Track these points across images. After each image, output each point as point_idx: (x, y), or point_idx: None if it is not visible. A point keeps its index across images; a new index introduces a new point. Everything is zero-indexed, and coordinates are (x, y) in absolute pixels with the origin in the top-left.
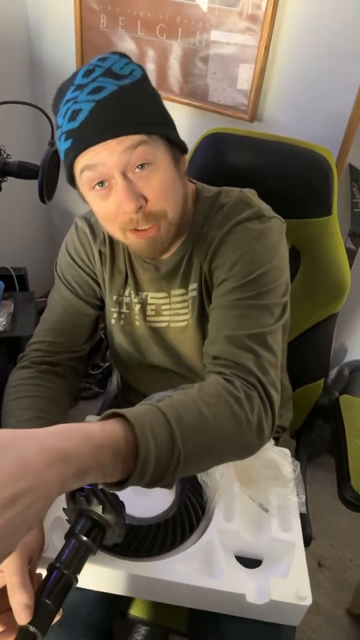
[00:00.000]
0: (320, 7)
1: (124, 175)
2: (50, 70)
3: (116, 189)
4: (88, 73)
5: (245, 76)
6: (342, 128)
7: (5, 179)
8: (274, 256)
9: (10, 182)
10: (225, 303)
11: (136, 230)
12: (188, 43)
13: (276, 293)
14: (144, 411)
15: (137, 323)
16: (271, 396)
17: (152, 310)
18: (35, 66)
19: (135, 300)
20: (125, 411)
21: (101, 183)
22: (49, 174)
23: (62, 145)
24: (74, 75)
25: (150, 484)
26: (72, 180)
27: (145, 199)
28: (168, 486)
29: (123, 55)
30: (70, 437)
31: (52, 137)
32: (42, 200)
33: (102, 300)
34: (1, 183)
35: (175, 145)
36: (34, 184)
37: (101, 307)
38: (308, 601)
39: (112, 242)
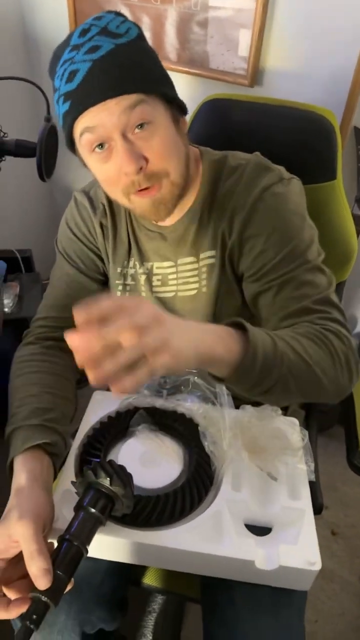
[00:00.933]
0: None
1: (124, 136)
2: (44, 44)
3: (116, 150)
4: (84, 32)
5: (243, 41)
6: (346, 89)
7: (4, 158)
8: (303, 217)
9: (11, 161)
10: (277, 280)
11: (138, 191)
12: (183, 7)
13: (314, 250)
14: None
15: (144, 294)
16: (351, 342)
17: (158, 280)
18: (28, 40)
19: (141, 271)
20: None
21: (101, 145)
22: (47, 151)
23: (61, 109)
24: (70, 35)
25: (261, 375)
26: (71, 145)
27: (146, 160)
28: (272, 395)
29: (118, 14)
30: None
31: (48, 113)
32: (42, 178)
33: (105, 275)
34: (0, 163)
35: (175, 105)
36: (34, 162)
37: (105, 281)
38: (317, 566)
39: (113, 212)
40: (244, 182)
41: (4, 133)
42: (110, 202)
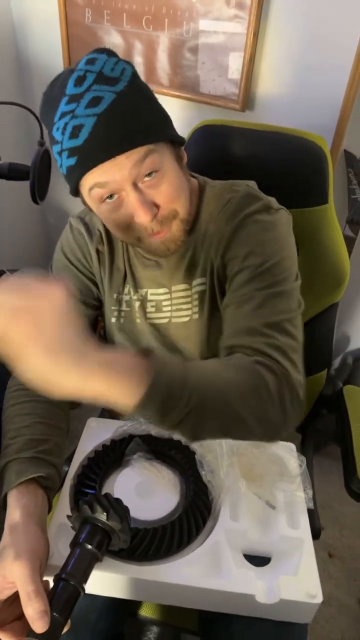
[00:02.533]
0: None
1: (135, 186)
2: (37, 68)
3: (127, 199)
4: (80, 81)
5: (235, 65)
6: (336, 114)
7: None
8: (284, 246)
9: (3, 183)
10: (241, 297)
11: (150, 234)
12: (175, 34)
13: (290, 279)
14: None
15: (138, 320)
16: (292, 377)
17: (152, 307)
18: (21, 65)
19: (135, 297)
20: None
21: (111, 196)
22: (40, 175)
23: (65, 162)
24: (64, 83)
25: (165, 407)
26: (76, 193)
27: (157, 206)
28: (186, 429)
29: (110, 53)
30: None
31: (42, 137)
32: (35, 201)
33: (99, 300)
34: None
35: (176, 142)
36: (26, 185)
37: (99, 306)
38: (319, 599)
39: (110, 240)
40: (231, 211)
41: None
42: (107, 229)
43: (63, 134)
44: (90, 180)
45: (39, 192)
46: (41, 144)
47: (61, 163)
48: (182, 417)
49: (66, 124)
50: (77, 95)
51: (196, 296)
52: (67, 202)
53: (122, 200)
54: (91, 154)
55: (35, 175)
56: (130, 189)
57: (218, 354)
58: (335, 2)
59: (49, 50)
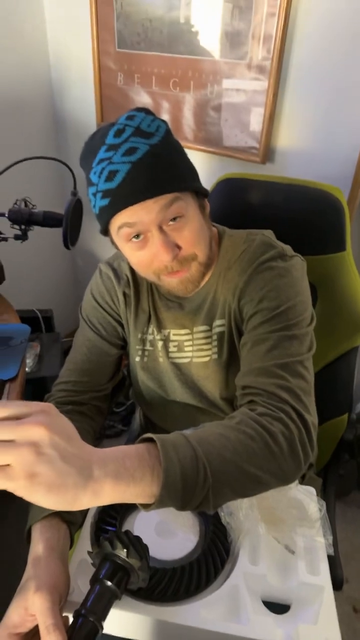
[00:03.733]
0: (327, 57)
1: (160, 228)
2: (72, 125)
3: (152, 240)
4: (119, 133)
5: (255, 120)
6: (353, 166)
7: (31, 228)
8: (298, 291)
9: (37, 228)
10: (255, 337)
11: (169, 273)
12: (200, 94)
13: (303, 324)
14: (167, 435)
15: (161, 359)
16: (304, 419)
17: (174, 346)
18: (58, 122)
19: (158, 337)
20: (151, 435)
21: (137, 236)
22: (72, 222)
23: (98, 202)
24: (104, 134)
25: (184, 499)
26: (105, 232)
27: (179, 247)
28: (207, 507)
29: (148, 112)
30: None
31: (75, 188)
32: (67, 246)
33: (124, 340)
34: (27, 231)
35: (200, 193)
36: (57, 230)
37: (123, 346)
38: None
39: (136, 283)
40: (247, 259)
41: (33, 205)
42: (133, 274)
43: (99, 177)
44: (119, 220)
45: (70, 239)
46: (74, 194)
47: (95, 203)
48: (201, 500)
49: (103, 169)
50: (115, 145)
51: (215, 337)
52: (96, 247)
53: (147, 240)
54: (123, 197)
55: (68, 223)
56: (156, 231)
57: (231, 394)
58: (349, 64)
59: (83, 109)
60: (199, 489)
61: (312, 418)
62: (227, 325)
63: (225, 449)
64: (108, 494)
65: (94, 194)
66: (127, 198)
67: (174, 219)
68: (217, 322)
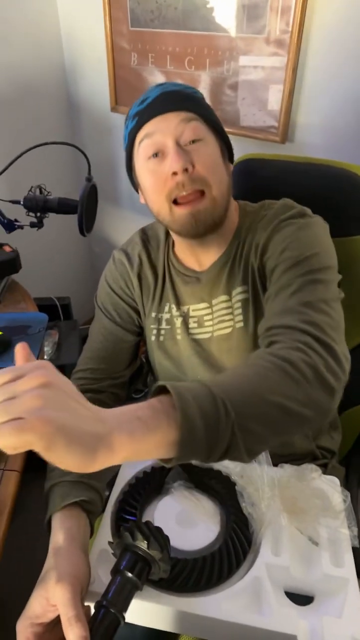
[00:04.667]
0: (350, 28)
1: (177, 142)
2: (86, 109)
3: (168, 155)
4: (158, 85)
5: (274, 98)
6: None
7: (47, 215)
8: (320, 243)
9: (52, 216)
10: (278, 285)
11: (181, 203)
12: (216, 72)
13: (328, 271)
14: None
15: (179, 337)
16: (330, 347)
17: (194, 322)
18: (72, 107)
19: (177, 314)
20: (159, 383)
21: (156, 154)
22: (87, 209)
23: (128, 128)
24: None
25: (209, 441)
26: (129, 165)
27: (193, 166)
28: (238, 451)
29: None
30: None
31: (89, 173)
32: (82, 233)
33: (140, 327)
34: (43, 219)
35: (224, 144)
36: (73, 217)
37: (140, 332)
38: None
39: (150, 262)
40: (268, 219)
41: (48, 192)
42: (148, 252)
43: (134, 107)
44: (142, 133)
45: (86, 225)
46: (89, 179)
47: (126, 133)
48: (228, 441)
49: (139, 100)
50: (153, 88)
51: (239, 304)
52: (111, 233)
53: (164, 158)
54: (148, 112)
55: (83, 209)
56: (173, 144)
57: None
58: None
59: (97, 92)
60: (222, 426)
61: (341, 348)
62: (251, 290)
63: (242, 383)
64: (124, 447)
65: (127, 124)
66: (151, 112)
67: (192, 142)
68: (238, 289)
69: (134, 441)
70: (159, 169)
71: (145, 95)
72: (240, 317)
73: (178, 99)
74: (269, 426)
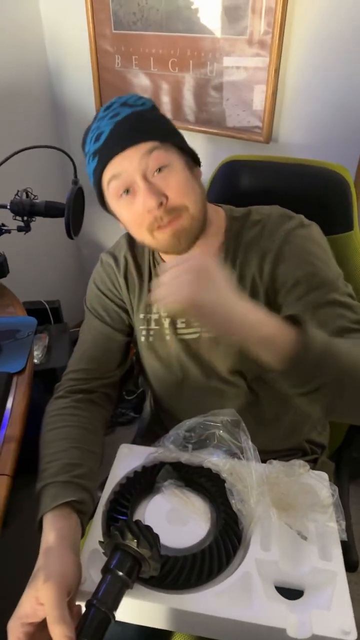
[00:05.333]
0: (328, 31)
1: (145, 178)
2: (70, 112)
3: (139, 192)
4: (107, 107)
5: (258, 98)
6: (358, 142)
7: (34, 219)
8: (327, 253)
9: (40, 220)
10: (312, 305)
11: (160, 226)
12: (200, 74)
13: (342, 281)
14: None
15: (168, 337)
16: None
17: (182, 322)
18: (57, 109)
19: (165, 314)
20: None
21: (126, 191)
22: (74, 212)
23: (91, 166)
24: (97, 113)
25: (307, 377)
26: (102, 199)
27: (166, 197)
28: (320, 399)
29: (136, 94)
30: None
31: (75, 176)
32: (70, 236)
33: (130, 327)
34: (30, 223)
35: (188, 155)
36: (61, 221)
37: (130, 332)
38: (353, 636)
39: (137, 264)
40: (269, 230)
41: (35, 196)
42: (133, 254)
43: (90, 143)
44: (107, 175)
45: (73, 228)
46: (75, 182)
47: (90, 171)
48: (324, 382)
49: (93, 135)
50: (103, 116)
51: None
52: (100, 236)
53: (135, 194)
54: (107, 151)
55: (70, 212)
56: (141, 180)
57: (249, 366)
58: (352, 41)
59: (82, 94)
60: (329, 366)
61: None
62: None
63: (353, 350)
64: (267, 327)
65: (88, 161)
66: (110, 151)
67: (159, 170)
68: None
69: (259, 322)
70: (133, 206)
71: (97, 128)
72: None
73: (133, 129)
74: (352, 396)
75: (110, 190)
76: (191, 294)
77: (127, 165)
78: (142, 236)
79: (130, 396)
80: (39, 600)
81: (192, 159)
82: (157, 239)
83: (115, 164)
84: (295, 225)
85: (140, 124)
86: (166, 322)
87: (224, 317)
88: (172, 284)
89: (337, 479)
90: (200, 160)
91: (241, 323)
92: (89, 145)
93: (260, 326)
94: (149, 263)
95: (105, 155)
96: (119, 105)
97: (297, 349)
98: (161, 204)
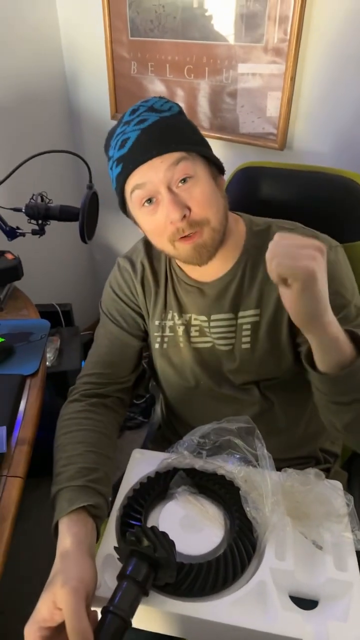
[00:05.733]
0: (345, 40)
1: (169, 189)
2: (86, 117)
3: (163, 202)
4: (133, 112)
5: (273, 105)
6: None
7: (48, 223)
8: (352, 280)
9: (54, 223)
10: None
11: (182, 238)
12: (215, 80)
13: None
14: None
15: (182, 345)
16: None
17: (196, 331)
18: (72, 115)
19: (179, 322)
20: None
21: (149, 200)
22: (89, 216)
23: (114, 172)
24: (122, 116)
25: (352, 387)
26: (123, 205)
27: (189, 209)
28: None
29: (162, 97)
30: None
31: (90, 181)
32: (83, 240)
33: (145, 332)
34: (45, 226)
35: (213, 165)
36: (75, 224)
37: (145, 337)
38: None
39: (153, 270)
40: None
41: (49, 200)
42: (150, 260)
43: (114, 148)
44: (131, 183)
45: (87, 232)
46: (90, 187)
47: (113, 176)
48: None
49: (117, 140)
50: (129, 120)
51: (248, 326)
52: (113, 240)
53: (158, 203)
54: (132, 159)
55: (84, 217)
56: (165, 191)
57: (258, 379)
58: None
59: (97, 100)
60: None
61: None
62: (266, 315)
63: None
64: (332, 317)
65: (111, 167)
66: (135, 159)
67: (183, 181)
68: (249, 311)
69: (335, 329)
70: (155, 216)
71: (123, 133)
72: (248, 339)
73: (159, 137)
74: None
75: (133, 198)
76: (315, 268)
77: (152, 176)
78: (163, 245)
79: (139, 400)
80: (56, 604)
81: (216, 168)
82: (178, 249)
83: (140, 173)
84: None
85: (167, 133)
86: (180, 330)
87: (320, 302)
88: (297, 252)
89: (349, 488)
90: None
91: (325, 312)
92: (112, 151)
93: (335, 325)
94: (166, 270)
95: (130, 163)
96: (146, 110)
97: (355, 359)
98: (184, 216)
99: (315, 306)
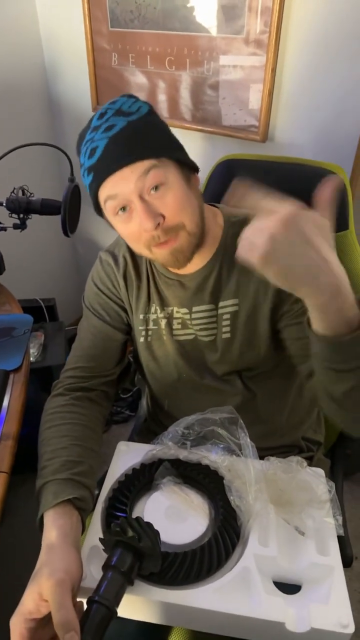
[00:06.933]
0: (325, 31)
1: (141, 198)
2: (67, 110)
3: (136, 211)
4: (101, 116)
5: (254, 97)
6: (355, 143)
7: (30, 217)
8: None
9: (36, 217)
10: None
11: (158, 244)
12: (196, 72)
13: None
14: None
15: (165, 338)
16: None
17: (178, 323)
18: (53, 107)
19: (162, 315)
20: None
21: (123, 208)
22: (70, 209)
23: (86, 180)
24: (91, 119)
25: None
26: (99, 210)
27: (163, 216)
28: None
29: (131, 96)
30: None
31: (72, 174)
32: (66, 234)
33: (129, 325)
34: (26, 220)
35: (185, 165)
36: (57, 218)
37: (128, 331)
38: (351, 629)
39: (135, 264)
40: None
41: (31, 193)
42: (132, 254)
43: (85, 156)
44: (104, 194)
45: (69, 226)
46: (71, 180)
47: (85, 184)
48: None
49: (87, 148)
50: (97, 126)
51: (228, 316)
52: (96, 234)
53: (132, 212)
54: (102, 169)
55: (66, 210)
56: (137, 200)
57: (240, 368)
58: (348, 39)
59: (78, 92)
60: None
61: None
62: (245, 305)
63: None
64: (346, 287)
65: (83, 174)
66: (105, 169)
67: (155, 189)
68: (228, 301)
69: (334, 290)
70: (130, 224)
71: (92, 141)
72: (228, 329)
73: (128, 146)
74: None
75: (107, 208)
76: (253, 259)
77: (123, 186)
78: (140, 250)
79: (126, 394)
80: (42, 596)
81: (188, 168)
82: (155, 254)
83: (111, 184)
84: None
85: (135, 140)
86: (163, 323)
87: (295, 269)
88: (254, 236)
89: (331, 475)
90: (196, 159)
91: (331, 268)
92: (83, 158)
93: (345, 280)
94: (147, 263)
95: (100, 173)
96: (114, 114)
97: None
98: (158, 224)
99: (294, 275)
